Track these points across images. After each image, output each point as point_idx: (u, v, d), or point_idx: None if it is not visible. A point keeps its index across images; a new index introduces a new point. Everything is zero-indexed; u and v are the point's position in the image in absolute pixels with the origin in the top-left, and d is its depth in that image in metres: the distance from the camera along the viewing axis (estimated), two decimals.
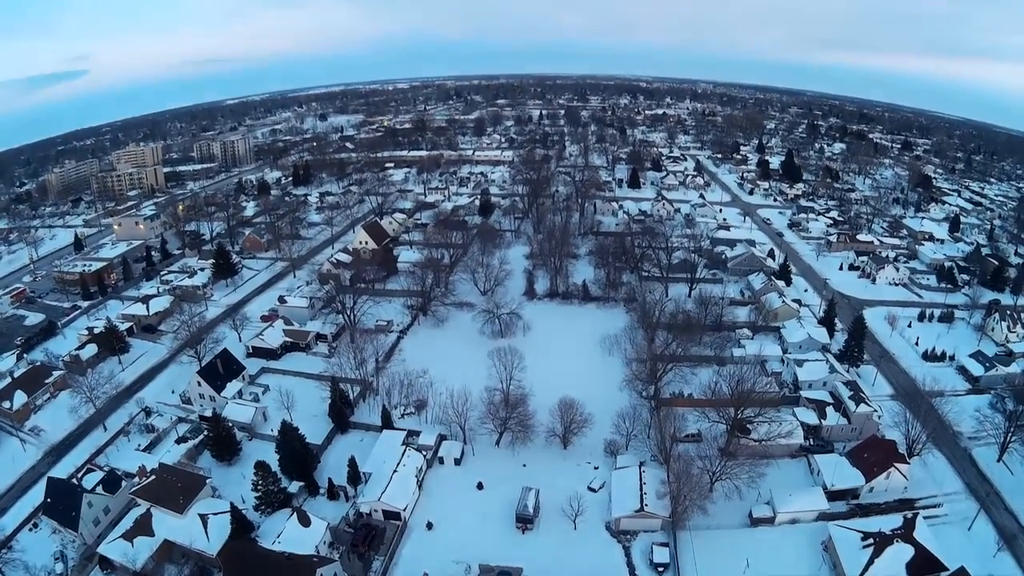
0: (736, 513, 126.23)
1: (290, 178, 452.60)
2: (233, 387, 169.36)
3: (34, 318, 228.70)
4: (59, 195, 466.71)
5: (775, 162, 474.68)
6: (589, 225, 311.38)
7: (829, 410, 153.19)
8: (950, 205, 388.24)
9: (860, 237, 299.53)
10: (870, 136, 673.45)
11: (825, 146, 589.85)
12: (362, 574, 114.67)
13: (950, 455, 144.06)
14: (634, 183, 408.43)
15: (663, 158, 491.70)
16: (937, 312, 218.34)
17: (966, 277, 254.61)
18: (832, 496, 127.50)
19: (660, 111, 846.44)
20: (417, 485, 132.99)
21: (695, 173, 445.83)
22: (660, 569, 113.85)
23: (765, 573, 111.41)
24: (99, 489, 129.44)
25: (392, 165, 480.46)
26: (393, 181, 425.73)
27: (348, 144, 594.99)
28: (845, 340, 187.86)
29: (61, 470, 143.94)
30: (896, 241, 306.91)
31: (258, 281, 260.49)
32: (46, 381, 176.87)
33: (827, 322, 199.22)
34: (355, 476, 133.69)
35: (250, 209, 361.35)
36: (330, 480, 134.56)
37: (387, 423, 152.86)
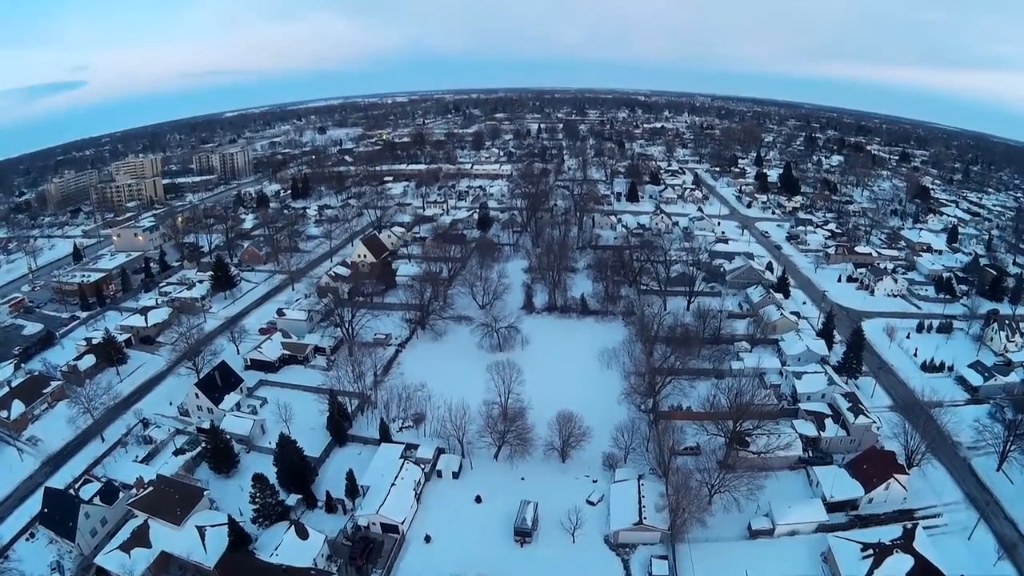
0: (735, 525, 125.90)
1: (289, 191, 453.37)
2: (231, 399, 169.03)
3: (32, 328, 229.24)
4: (58, 205, 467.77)
5: (773, 175, 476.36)
6: (587, 239, 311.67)
7: (828, 422, 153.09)
8: (948, 216, 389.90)
9: (858, 249, 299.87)
10: (868, 148, 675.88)
11: (823, 158, 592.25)
12: None
13: (949, 465, 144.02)
14: (632, 197, 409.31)
15: (661, 172, 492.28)
16: (935, 323, 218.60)
17: (964, 287, 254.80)
18: (831, 507, 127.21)
19: (658, 125, 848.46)
20: (415, 498, 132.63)
21: (693, 187, 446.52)
22: None
23: None
24: (96, 500, 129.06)
25: (391, 179, 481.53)
26: (392, 195, 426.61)
27: (347, 157, 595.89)
28: (844, 352, 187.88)
29: (58, 480, 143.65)
30: (894, 252, 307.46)
31: (257, 294, 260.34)
32: (44, 391, 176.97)
33: (825, 334, 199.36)
34: (353, 489, 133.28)
35: (249, 222, 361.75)
36: (328, 493, 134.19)
37: (385, 436, 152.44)
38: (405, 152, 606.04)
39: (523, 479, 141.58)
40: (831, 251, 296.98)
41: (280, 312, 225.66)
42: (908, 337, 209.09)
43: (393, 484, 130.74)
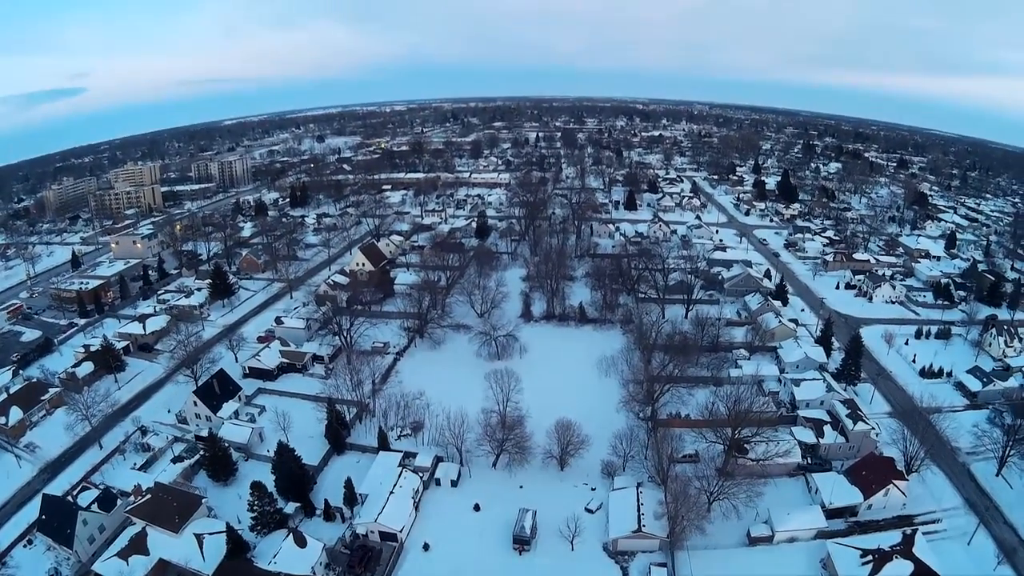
0: (734, 532, 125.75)
1: (287, 199, 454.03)
2: (229, 407, 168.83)
3: (30, 334, 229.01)
4: (57, 212, 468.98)
5: (771, 182, 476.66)
6: (586, 247, 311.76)
7: (827, 429, 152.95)
8: (946, 222, 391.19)
9: (856, 256, 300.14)
10: (866, 155, 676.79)
11: (821, 166, 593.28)
12: None
13: (949, 471, 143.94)
14: (630, 205, 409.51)
15: (659, 180, 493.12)
16: (934, 329, 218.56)
17: (963, 293, 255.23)
18: (830, 514, 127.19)
19: (656, 133, 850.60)
20: (414, 506, 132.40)
21: (691, 195, 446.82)
22: None
23: None
24: (94, 507, 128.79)
25: (389, 187, 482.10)
26: (390, 203, 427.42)
27: (345, 166, 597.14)
28: (842, 359, 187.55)
29: (56, 487, 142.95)
30: (892, 259, 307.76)
31: (255, 302, 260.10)
32: (42, 398, 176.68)
33: (824, 341, 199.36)
34: (351, 497, 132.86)
35: (247, 230, 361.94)
36: (326, 501, 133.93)
37: (383, 445, 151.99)
38: (403, 161, 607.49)
39: (522, 487, 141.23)
40: (829, 258, 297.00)
41: (278, 320, 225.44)
42: (907, 343, 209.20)
43: (391, 492, 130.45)
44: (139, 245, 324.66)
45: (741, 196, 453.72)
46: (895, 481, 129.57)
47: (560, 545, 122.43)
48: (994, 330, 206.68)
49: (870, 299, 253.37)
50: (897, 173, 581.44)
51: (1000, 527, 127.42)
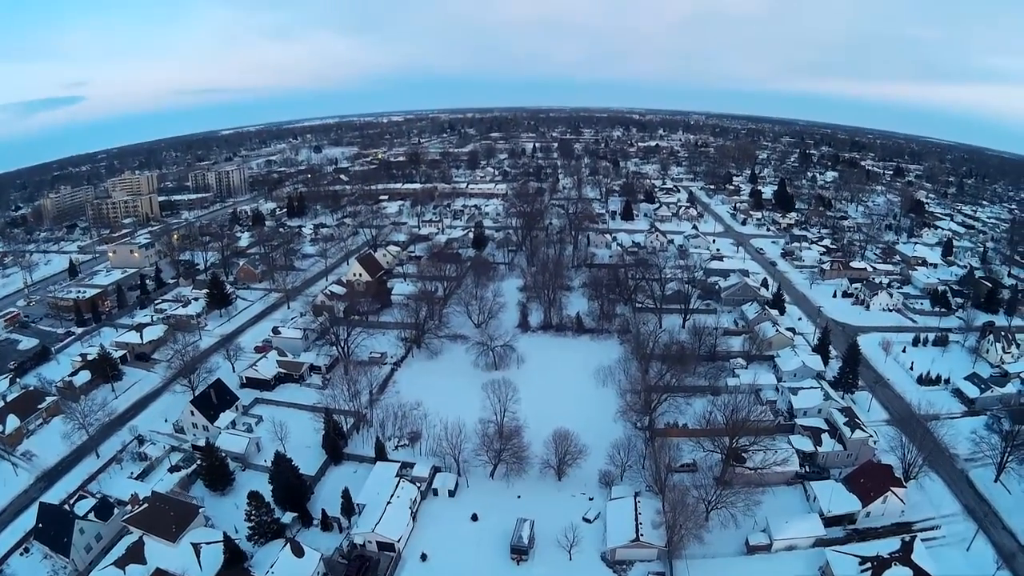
0: (732, 541, 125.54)
1: (284, 209, 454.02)
2: (226, 417, 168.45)
3: (27, 342, 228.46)
4: (54, 220, 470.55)
5: (768, 192, 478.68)
6: (583, 257, 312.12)
7: (824, 437, 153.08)
8: (943, 229, 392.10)
9: (853, 264, 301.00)
10: (862, 163, 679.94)
11: (817, 175, 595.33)
12: None
13: (947, 477, 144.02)
14: (627, 215, 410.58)
15: (656, 190, 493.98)
16: (931, 336, 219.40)
17: (960, 300, 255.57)
18: (829, 522, 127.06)
19: (653, 143, 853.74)
20: (411, 516, 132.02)
21: (688, 204, 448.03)
22: None
23: None
24: (91, 516, 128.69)
25: (386, 197, 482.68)
26: (387, 213, 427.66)
27: (342, 176, 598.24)
28: (839, 367, 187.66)
29: (53, 496, 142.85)
30: (889, 267, 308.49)
31: (252, 312, 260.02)
32: (39, 406, 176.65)
33: (821, 350, 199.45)
34: (349, 507, 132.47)
35: (244, 240, 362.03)
36: (324, 511, 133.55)
37: (381, 455, 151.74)
38: (400, 171, 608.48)
39: (519, 497, 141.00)
40: (826, 267, 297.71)
41: (276, 330, 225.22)
42: (904, 351, 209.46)
43: (389, 502, 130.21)
44: (136, 254, 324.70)
45: (738, 205, 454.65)
46: (893, 488, 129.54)
47: (558, 555, 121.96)
48: (991, 336, 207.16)
49: (867, 307, 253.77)
50: (894, 181, 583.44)
51: (999, 533, 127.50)
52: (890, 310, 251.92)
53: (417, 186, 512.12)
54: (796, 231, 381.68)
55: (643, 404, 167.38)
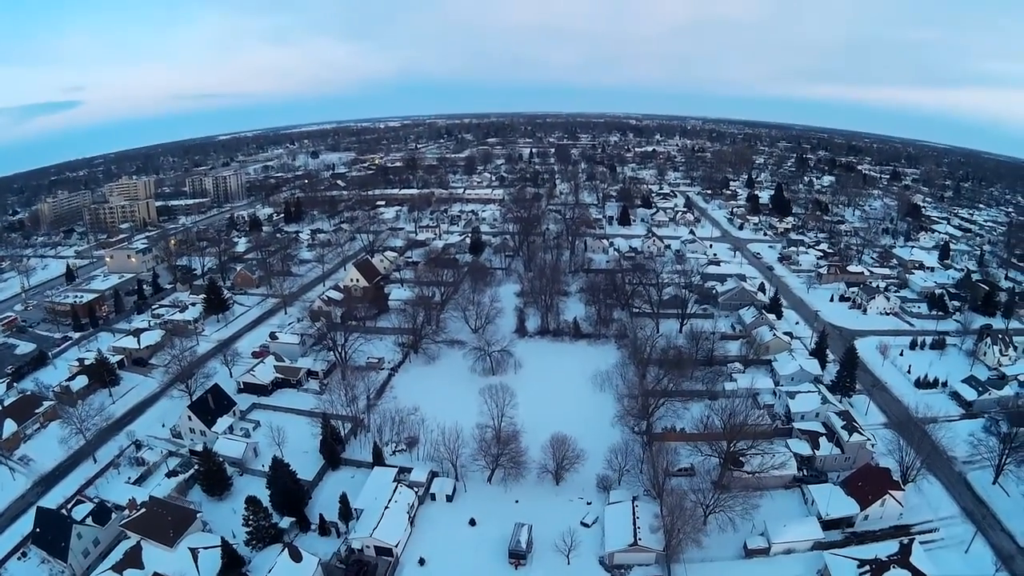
0: (730, 545, 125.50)
1: (282, 215, 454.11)
2: (224, 422, 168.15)
3: (25, 347, 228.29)
4: (51, 225, 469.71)
5: (764, 196, 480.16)
6: (580, 263, 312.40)
7: (822, 440, 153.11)
8: (940, 233, 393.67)
9: (850, 268, 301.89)
10: (859, 168, 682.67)
11: (814, 179, 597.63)
12: None
13: (945, 480, 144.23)
14: (624, 220, 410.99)
15: (653, 195, 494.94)
16: (929, 339, 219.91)
17: (957, 303, 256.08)
18: (827, 525, 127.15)
19: (650, 148, 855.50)
20: (409, 521, 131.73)
21: (685, 209, 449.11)
22: None
23: None
24: (89, 520, 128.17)
25: (383, 203, 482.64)
26: (384, 219, 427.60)
27: (339, 182, 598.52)
28: (837, 371, 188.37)
29: (50, 500, 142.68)
30: (886, 271, 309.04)
31: (249, 317, 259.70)
32: (36, 411, 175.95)
33: (819, 353, 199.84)
34: (347, 512, 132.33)
35: (242, 245, 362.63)
36: (321, 516, 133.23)
37: (378, 460, 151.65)
38: (397, 177, 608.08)
39: (517, 502, 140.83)
40: (823, 271, 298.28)
41: (273, 336, 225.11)
42: (901, 354, 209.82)
43: (387, 507, 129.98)
44: (134, 259, 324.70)
45: (735, 210, 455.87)
46: (891, 491, 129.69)
47: (556, 559, 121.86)
48: (989, 339, 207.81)
49: (864, 311, 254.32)
50: (890, 185, 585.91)
51: (997, 535, 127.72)
52: (887, 314, 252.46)
53: (414, 191, 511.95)
54: (793, 235, 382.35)
55: (640, 409, 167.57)
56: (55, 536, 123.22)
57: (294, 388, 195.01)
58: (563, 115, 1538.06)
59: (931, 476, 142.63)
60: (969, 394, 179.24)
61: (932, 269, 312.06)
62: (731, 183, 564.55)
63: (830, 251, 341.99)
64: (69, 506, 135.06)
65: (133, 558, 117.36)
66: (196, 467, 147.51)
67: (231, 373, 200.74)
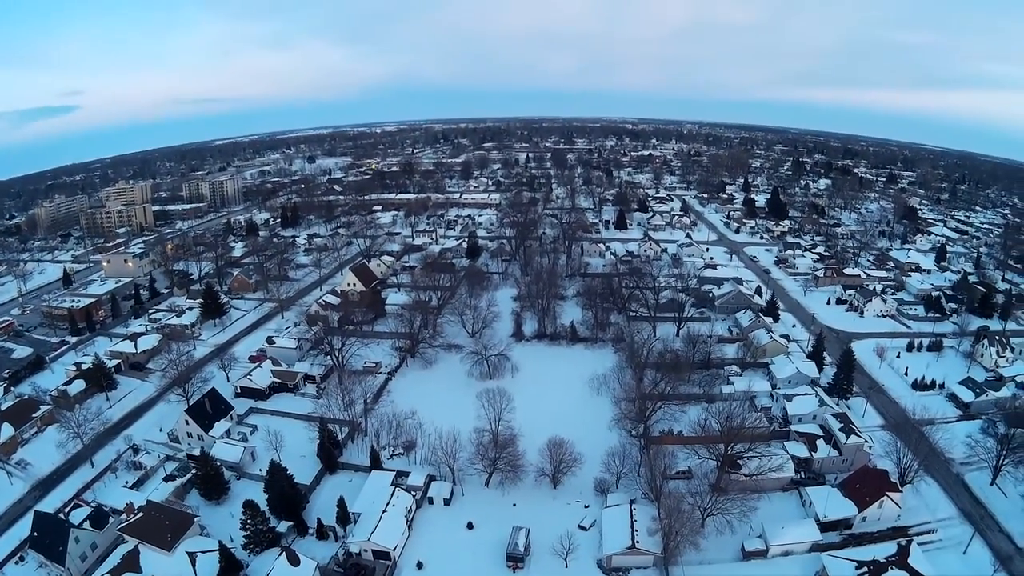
0: (728, 547, 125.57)
1: (278, 219, 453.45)
2: (221, 426, 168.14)
3: (22, 351, 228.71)
4: (48, 230, 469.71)
5: (761, 200, 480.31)
6: (576, 267, 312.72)
7: (819, 443, 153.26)
8: (936, 235, 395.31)
9: (847, 271, 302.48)
10: (855, 171, 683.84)
11: (810, 182, 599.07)
12: None
13: (943, 481, 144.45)
14: (621, 224, 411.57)
15: (649, 199, 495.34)
16: (926, 341, 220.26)
17: (954, 305, 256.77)
18: (825, 527, 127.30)
19: (646, 152, 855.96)
20: (407, 525, 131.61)
21: (681, 213, 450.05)
22: None
23: None
24: (86, 524, 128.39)
25: (380, 208, 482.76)
26: (381, 224, 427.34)
27: (336, 186, 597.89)
28: (834, 373, 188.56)
29: (48, 504, 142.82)
30: (883, 273, 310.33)
31: (246, 321, 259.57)
32: (33, 415, 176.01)
33: (816, 356, 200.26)
34: (344, 516, 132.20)
35: (238, 249, 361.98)
36: (319, 520, 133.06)
37: (376, 464, 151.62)
38: (394, 181, 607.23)
39: (515, 505, 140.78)
40: (820, 274, 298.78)
41: (270, 340, 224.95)
42: (898, 356, 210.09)
43: (384, 511, 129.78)
44: (130, 264, 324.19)
45: (731, 214, 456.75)
46: (889, 493, 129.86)
47: (554, 562, 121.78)
48: (986, 341, 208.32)
49: (861, 313, 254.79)
50: (887, 188, 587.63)
51: (995, 536, 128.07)
52: (884, 316, 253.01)
53: (411, 196, 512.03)
54: (790, 239, 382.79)
55: (638, 412, 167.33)
56: (52, 540, 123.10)
57: (291, 392, 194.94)
58: (559, 120, 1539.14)
59: (929, 478, 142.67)
60: (966, 396, 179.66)
61: (929, 271, 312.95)
62: (727, 187, 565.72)
63: (827, 254, 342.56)
64: (67, 510, 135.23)
65: (131, 562, 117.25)
66: (193, 471, 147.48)
67: (228, 377, 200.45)
